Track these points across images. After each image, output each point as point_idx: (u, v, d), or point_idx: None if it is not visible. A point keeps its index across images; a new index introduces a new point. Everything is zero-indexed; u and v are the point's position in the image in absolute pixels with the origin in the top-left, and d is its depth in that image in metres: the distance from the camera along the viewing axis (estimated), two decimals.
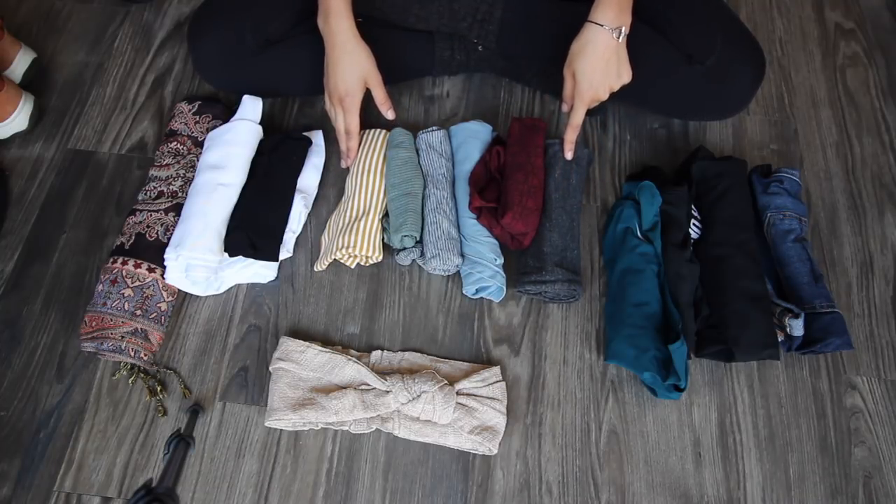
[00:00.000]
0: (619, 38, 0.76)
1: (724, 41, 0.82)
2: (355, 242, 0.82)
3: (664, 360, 0.76)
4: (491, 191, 0.87)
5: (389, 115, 0.88)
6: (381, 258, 0.85)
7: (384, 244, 0.86)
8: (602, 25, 0.75)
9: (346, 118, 0.85)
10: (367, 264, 0.86)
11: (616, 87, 0.79)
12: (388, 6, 0.90)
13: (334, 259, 0.84)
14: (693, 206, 0.85)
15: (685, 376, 0.74)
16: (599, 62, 0.76)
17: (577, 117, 0.81)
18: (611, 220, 0.89)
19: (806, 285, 0.80)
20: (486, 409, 0.75)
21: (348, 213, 0.85)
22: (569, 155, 0.86)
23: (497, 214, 0.83)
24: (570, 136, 0.84)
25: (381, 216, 0.86)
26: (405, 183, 0.86)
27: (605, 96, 0.80)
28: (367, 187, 0.87)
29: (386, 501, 0.75)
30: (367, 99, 1.00)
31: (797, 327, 0.76)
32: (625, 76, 0.79)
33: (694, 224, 0.84)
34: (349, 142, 0.86)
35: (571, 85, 0.80)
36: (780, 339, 0.79)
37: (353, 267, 0.87)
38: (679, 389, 0.75)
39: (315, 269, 0.86)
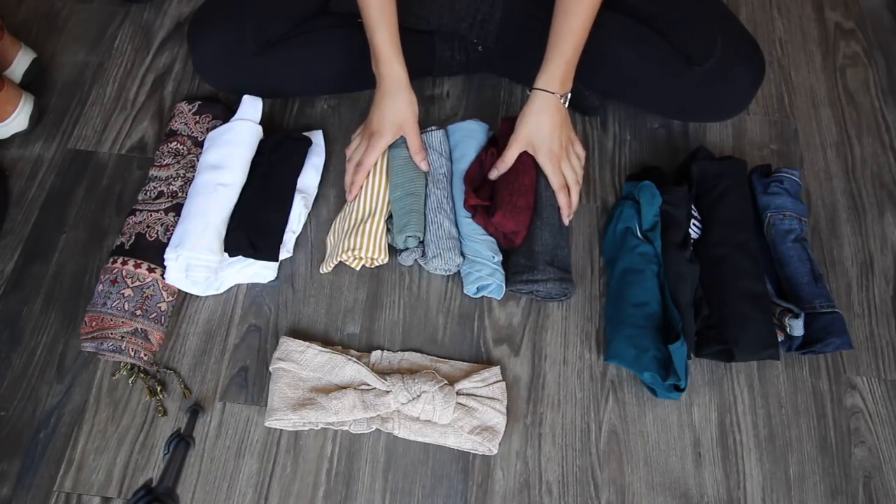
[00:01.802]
0: (565, 104, 0.82)
1: (724, 43, 0.82)
2: (362, 244, 0.82)
3: (664, 360, 0.76)
4: (485, 189, 0.87)
5: (423, 165, 0.86)
6: (386, 260, 0.84)
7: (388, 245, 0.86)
8: (552, 93, 0.80)
9: (366, 152, 0.85)
10: (373, 266, 0.86)
11: (571, 149, 0.85)
12: None
13: (340, 261, 0.84)
14: (693, 206, 0.85)
15: (685, 376, 0.74)
16: (555, 127, 0.82)
17: (558, 178, 0.83)
18: (611, 220, 0.89)
19: (806, 285, 0.80)
20: (486, 409, 0.75)
21: (353, 215, 0.85)
22: (567, 221, 0.85)
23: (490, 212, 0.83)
24: (563, 200, 0.84)
25: (386, 218, 0.85)
26: (408, 183, 0.86)
27: (569, 161, 0.84)
28: (372, 189, 0.86)
29: (386, 501, 0.75)
30: (367, 100, 1.01)
31: (797, 327, 0.76)
32: (577, 142, 0.86)
33: (694, 224, 0.84)
34: (356, 175, 0.86)
35: (514, 154, 0.83)
36: (780, 339, 0.79)
37: (358, 269, 0.86)
38: (679, 389, 0.75)
39: (321, 272, 0.86)
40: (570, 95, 0.82)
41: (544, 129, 0.81)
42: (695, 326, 0.78)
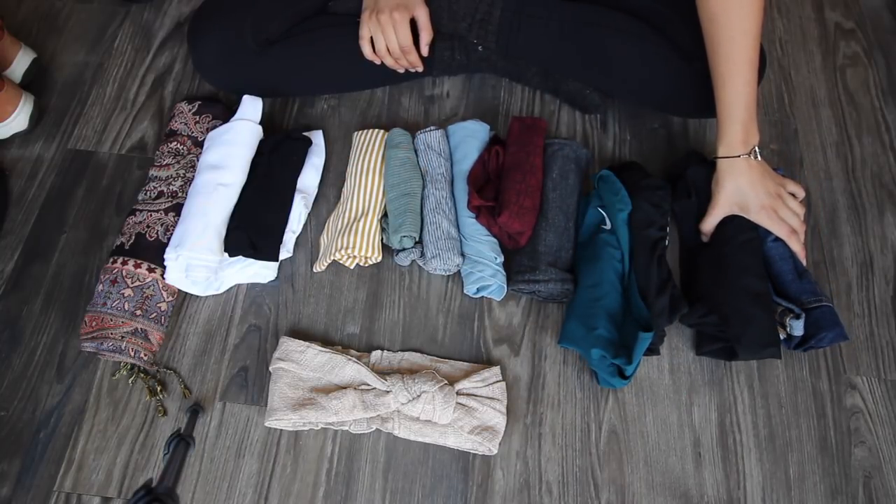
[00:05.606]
0: (756, 157, 0.78)
1: None
2: (354, 243, 0.82)
3: (613, 340, 0.76)
4: (489, 189, 0.87)
5: (425, 49, 0.86)
6: (380, 259, 0.85)
7: (383, 245, 0.86)
8: (737, 156, 0.77)
9: (398, 34, 0.83)
10: (367, 265, 0.86)
11: (784, 192, 0.80)
12: None
13: (333, 260, 0.84)
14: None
15: (635, 365, 0.74)
16: (755, 182, 0.78)
17: (781, 228, 0.80)
18: (584, 214, 0.88)
19: (791, 283, 0.80)
20: (486, 409, 0.75)
21: (347, 214, 0.85)
22: (805, 262, 0.82)
23: (495, 213, 0.83)
24: (796, 247, 0.81)
25: (379, 216, 0.86)
26: (404, 183, 0.86)
27: (787, 206, 0.79)
28: (366, 187, 0.87)
29: (386, 501, 0.75)
30: (367, 100, 1.01)
31: (798, 327, 0.76)
32: (788, 183, 0.81)
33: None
34: (409, 57, 0.84)
35: (715, 220, 0.81)
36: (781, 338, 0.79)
37: (352, 268, 0.87)
38: (624, 377, 0.75)
39: (314, 270, 0.86)
40: (757, 148, 0.78)
41: (744, 189, 0.78)
42: (664, 332, 0.78)
